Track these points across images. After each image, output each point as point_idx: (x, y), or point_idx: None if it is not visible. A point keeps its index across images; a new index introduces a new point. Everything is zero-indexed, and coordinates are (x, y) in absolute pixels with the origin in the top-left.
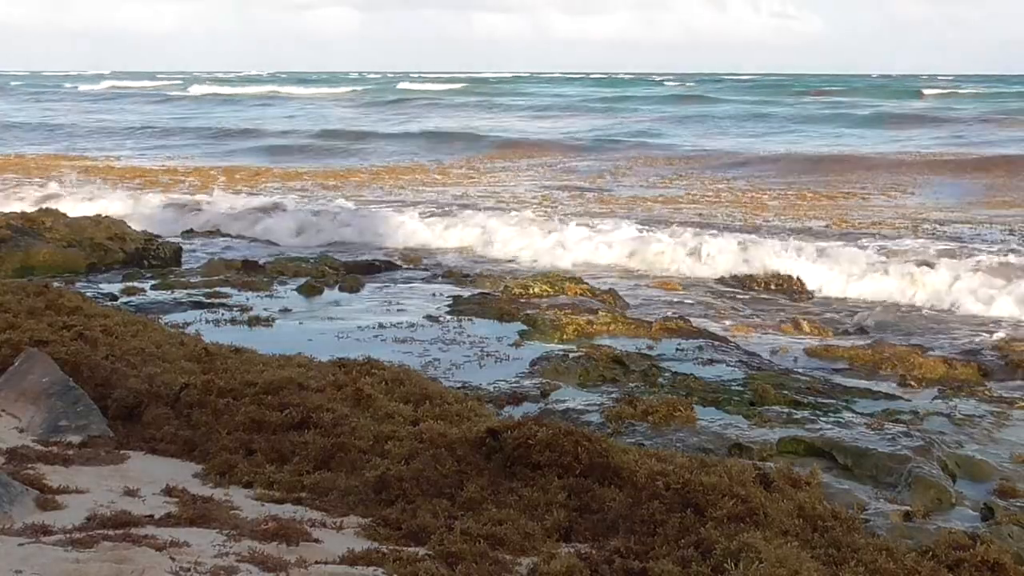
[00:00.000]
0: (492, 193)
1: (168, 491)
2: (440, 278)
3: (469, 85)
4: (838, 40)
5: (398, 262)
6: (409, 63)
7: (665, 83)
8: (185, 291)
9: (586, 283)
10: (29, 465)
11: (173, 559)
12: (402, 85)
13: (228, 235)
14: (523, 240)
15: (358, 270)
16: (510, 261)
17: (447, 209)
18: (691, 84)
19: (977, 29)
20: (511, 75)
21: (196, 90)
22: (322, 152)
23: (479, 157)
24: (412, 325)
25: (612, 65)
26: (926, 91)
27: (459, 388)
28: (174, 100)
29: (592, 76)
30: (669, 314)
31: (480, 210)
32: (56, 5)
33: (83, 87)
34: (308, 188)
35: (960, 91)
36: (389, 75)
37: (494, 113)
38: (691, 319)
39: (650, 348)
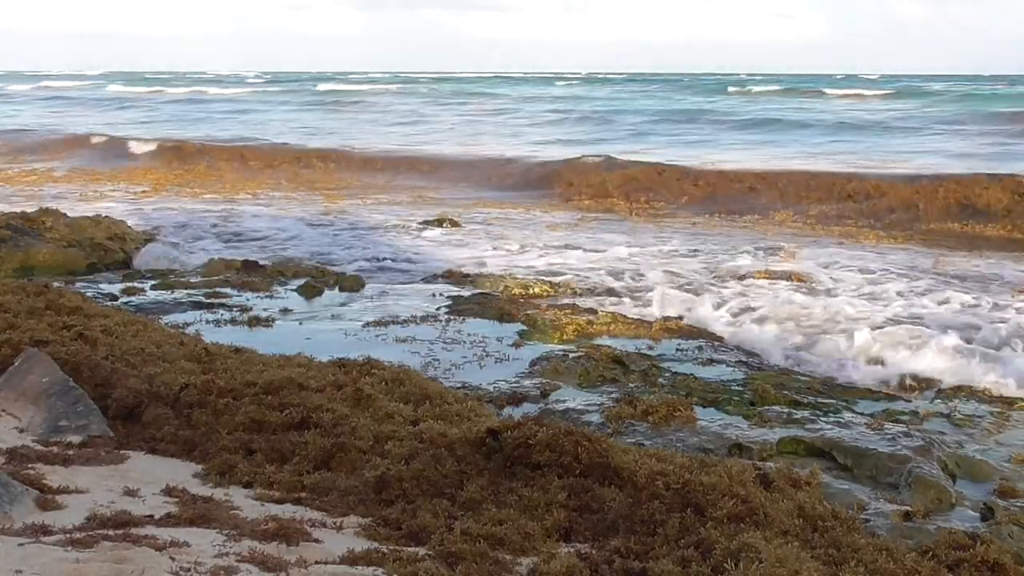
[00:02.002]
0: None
1: (168, 491)
2: (440, 278)
3: (416, 85)
4: (835, 40)
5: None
6: (408, 63)
7: (617, 83)
8: (185, 291)
9: (587, 282)
10: (29, 465)
11: (173, 559)
12: (324, 86)
13: None
14: None
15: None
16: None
17: None
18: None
19: (970, 30)
20: (492, 75)
21: (112, 89)
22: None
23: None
24: (412, 325)
25: (611, 65)
26: (731, 88)
27: (459, 388)
28: (67, 99)
29: (570, 76)
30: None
31: None
32: (54, 5)
33: (12, 87)
34: None
35: (756, 90)
36: (373, 75)
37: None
38: None
39: (650, 348)
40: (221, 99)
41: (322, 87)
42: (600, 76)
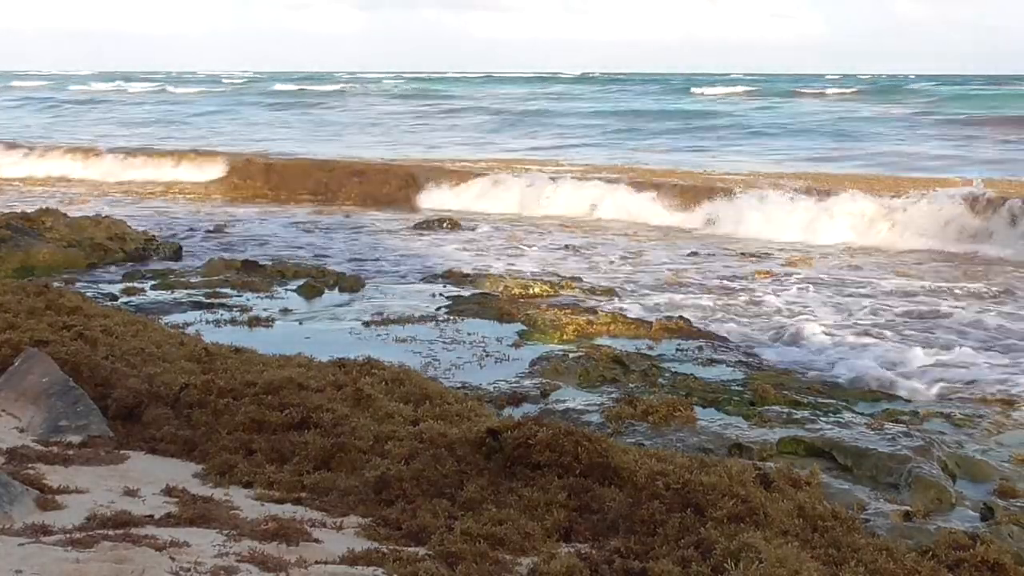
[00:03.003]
0: None
1: (168, 491)
2: (440, 278)
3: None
4: (836, 40)
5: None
6: (405, 62)
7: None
8: (185, 291)
9: (587, 282)
10: (29, 465)
11: (173, 559)
12: (279, 86)
13: None
14: None
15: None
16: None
17: None
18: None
19: (973, 30)
20: (483, 75)
21: (74, 89)
22: None
23: None
24: (412, 325)
25: (614, 65)
26: (695, 89)
27: (459, 388)
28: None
29: (564, 76)
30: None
31: None
32: (55, 4)
33: None
34: None
35: (730, 90)
36: (361, 75)
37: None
38: None
39: (650, 348)
40: (174, 100)
41: (279, 87)
42: (592, 76)
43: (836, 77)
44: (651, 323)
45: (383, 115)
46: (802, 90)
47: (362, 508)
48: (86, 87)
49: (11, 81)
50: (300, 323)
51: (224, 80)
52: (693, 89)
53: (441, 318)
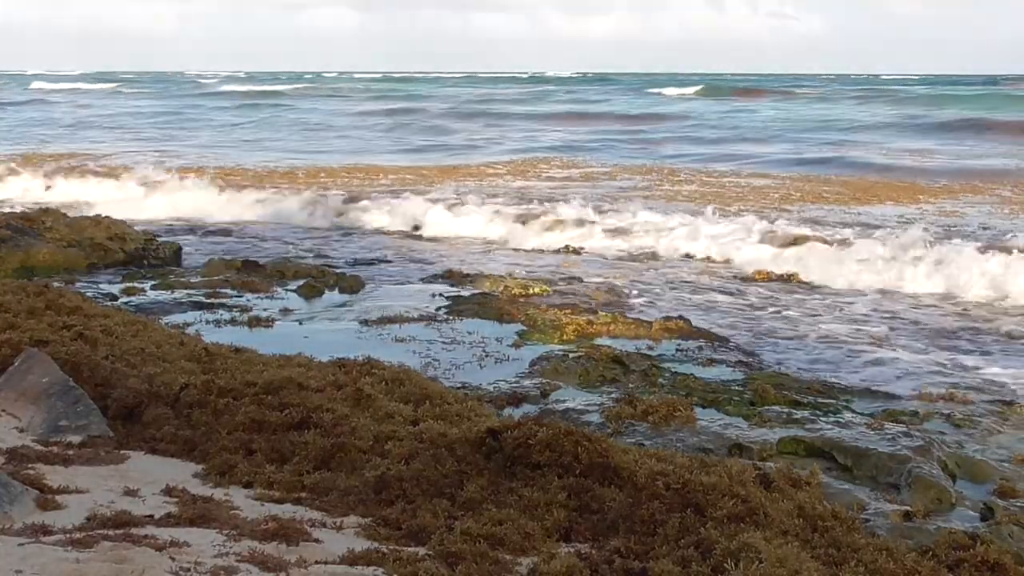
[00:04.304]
0: None
1: (168, 491)
2: (440, 278)
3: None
4: (834, 40)
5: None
6: (405, 63)
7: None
8: (185, 291)
9: (587, 282)
10: (29, 465)
11: (173, 559)
12: (228, 87)
13: None
14: None
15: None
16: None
17: None
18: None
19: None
20: (463, 74)
21: (30, 88)
22: None
23: None
24: (412, 325)
25: (607, 65)
26: (665, 91)
27: (459, 388)
28: None
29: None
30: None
31: None
32: (56, 4)
33: None
34: None
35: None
36: (346, 74)
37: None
38: None
39: (650, 348)
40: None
41: (229, 87)
42: (583, 76)
43: (833, 77)
44: (651, 323)
45: (300, 114)
46: (785, 89)
47: (362, 508)
48: (41, 86)
49: None
50: (300, 323)
51: (201, 81)
52: (651, 89)
53: (441, 318)
